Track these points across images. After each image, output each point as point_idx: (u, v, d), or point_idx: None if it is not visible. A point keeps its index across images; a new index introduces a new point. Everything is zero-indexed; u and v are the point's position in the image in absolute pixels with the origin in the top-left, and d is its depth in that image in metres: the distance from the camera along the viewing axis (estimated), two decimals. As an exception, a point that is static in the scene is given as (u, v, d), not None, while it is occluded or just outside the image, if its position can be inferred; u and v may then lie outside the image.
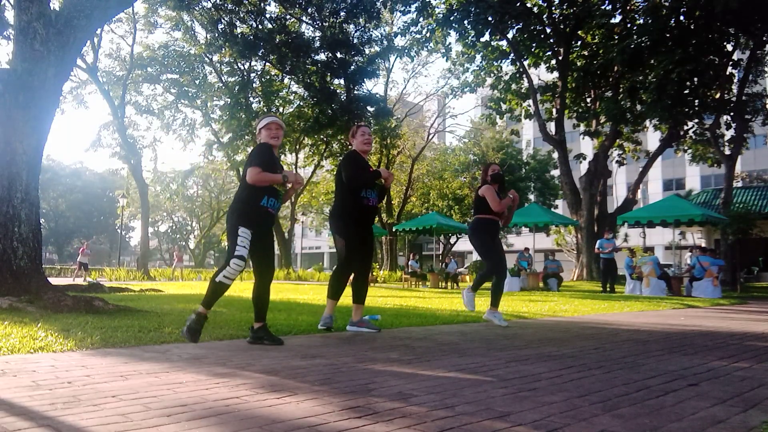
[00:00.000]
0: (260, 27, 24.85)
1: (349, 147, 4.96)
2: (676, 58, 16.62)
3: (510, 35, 22.35)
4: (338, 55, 24.56)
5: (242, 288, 13.76)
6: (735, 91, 20.92)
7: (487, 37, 22.60)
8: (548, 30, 22.30)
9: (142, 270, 24.30)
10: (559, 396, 2.41)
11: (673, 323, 6.31)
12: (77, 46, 7.11)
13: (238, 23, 24.95)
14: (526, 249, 17.58)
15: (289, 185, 4.03)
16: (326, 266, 55.52)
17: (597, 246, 15.85)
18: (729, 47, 19.81)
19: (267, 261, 3.99)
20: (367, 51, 25.68)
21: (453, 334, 4.76)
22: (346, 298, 4.87)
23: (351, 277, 4.76)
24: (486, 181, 5.64)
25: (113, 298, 7.63)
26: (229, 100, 26.05)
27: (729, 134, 21.95)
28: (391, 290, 15.03)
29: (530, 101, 23.38)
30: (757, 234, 20.32)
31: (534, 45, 22.88)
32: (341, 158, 4.96)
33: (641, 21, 20.01)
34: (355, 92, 25.52)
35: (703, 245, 17.78)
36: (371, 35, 25.71)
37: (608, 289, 14.78)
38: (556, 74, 23.38)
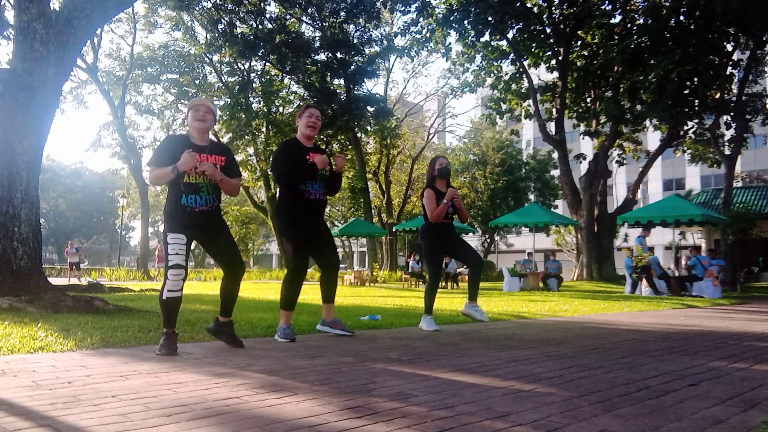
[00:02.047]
0: (260, 27, 24.88)
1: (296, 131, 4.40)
2: (676, 58, 16.59)
3: (510, 35, 22.33)
4: (338, 55, 24.60)
5: (242, 288, 13.77)
6: (735, 91, 20.91)
7: (487, 37, 22.57)
8: (548, 30, 22.28)
9: (142, 270, 24.33)
10: (559, 396, 2.41)
11: (673, 323, 6.31)
12: (77, 46, 7.12)
13: (238, 23, 24.99)
14: (530, 254, 17.55)
15: (203, 173, 3.42)
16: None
17: (637, 242, 14.33)
18: (729, 47, 19.78)
19: (229, 260, 3.71)
20: (367, 51, 25.71)
21: (453, 334, 4.76)
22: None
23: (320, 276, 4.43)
24: (433, 177, 5.16)
25: (113, 298, 7.64)
26: (229, 100, 26.07)
27: (729, 134, 21.93)
28: (391, 290, 15.03)
29: (530, 101, 23.36)
30: (757, 234, 20.32)
31: (534, 45, 22.86)
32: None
33: (641, 21, 19.98)
34: (355, 92, 25.55)
35: (698, 245, 17.71)
36: (371, 35, 25.76)
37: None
38: (556, 74, 23.36)
